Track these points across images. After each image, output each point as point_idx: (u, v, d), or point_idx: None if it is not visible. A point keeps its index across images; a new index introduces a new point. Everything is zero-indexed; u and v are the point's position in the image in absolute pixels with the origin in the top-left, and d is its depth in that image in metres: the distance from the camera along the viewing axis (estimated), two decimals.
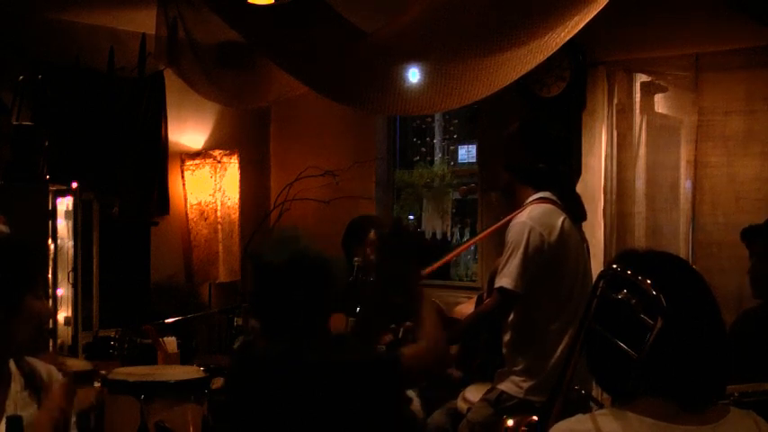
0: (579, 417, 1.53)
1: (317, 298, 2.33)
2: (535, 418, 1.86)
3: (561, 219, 3.18)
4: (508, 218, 3.24)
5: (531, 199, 3.22)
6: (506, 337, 3.25)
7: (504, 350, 3.27)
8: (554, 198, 3.22)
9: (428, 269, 3.62)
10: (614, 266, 1.58)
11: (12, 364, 2.05)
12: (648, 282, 1.50)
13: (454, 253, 4.28)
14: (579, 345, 1.61)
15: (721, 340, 1.54)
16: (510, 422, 1.97)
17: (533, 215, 3.15)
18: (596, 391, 1.80)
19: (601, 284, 1.58)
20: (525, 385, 3.14)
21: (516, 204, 3.27)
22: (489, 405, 3.24)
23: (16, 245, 2.12)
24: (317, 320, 2.36)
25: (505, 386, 3.20)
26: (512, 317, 3.22)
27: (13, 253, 2.04)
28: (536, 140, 3.27)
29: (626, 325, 1.52)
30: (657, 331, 1.47)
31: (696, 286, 1.56)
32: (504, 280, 3.10)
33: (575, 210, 3.29)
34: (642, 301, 1.50)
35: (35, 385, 2.06)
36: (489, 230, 3.64)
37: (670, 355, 1.48)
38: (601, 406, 1.66)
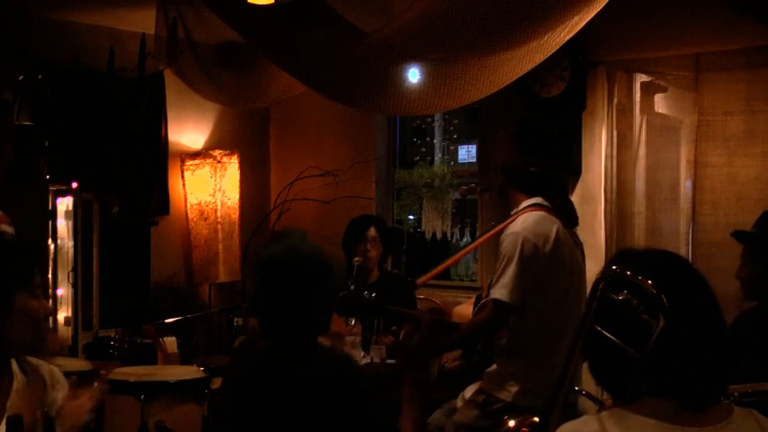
0: (585, 418, 1.53)
1: (317, 299, 2.32)
2: (536, 419, 1.85)
3: (555, 227, 3.15)
4: (505, 223, 3.22)
5: (523, 206, 3.19)
6: (500, 341, 3.23)
7: (496, 353, 3.27)
8: (546, 204, 3.20)
9: (422, 279, 3.61)
10: (614, 267, 1.57)
11: (13, 364, 2.04)
12: (649, 282, 1.50)
13: (451, 261, 4.23)
14: (580, 346, 1.60)
15: (723, 339, 1.53)
16: (511, 423, 1.96)
17: (527, 225, 3.12)
18: (594, 391, 1.79)
19: (601, 286, 1.57)
20: (513, 390, 3.13)
21: (510, 207, 3.25)
22: (476, 407, 3.23)
23: (5, 243, 2.10)
24: (316, 322, 2.36)
25: (493, 389, 3.18)
26: None
27: (1, 251, 2.03)
28: (531, 144, 3.24)
29: (627, 326, 1.51)
30: (660, 331, 1.46)
31: (696, 284, 1.55)
32: (499, 291, 3.07)
33: (566, 215, 3.26)
34: (643, 302, 1.49)
35: (37, 385, 2.06)
36: (485, 237, 3.62)
37: (672, 355, 1.47)
38: (601, 404, 1.65)
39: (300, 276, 2.30)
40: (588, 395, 1.89)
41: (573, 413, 1.80)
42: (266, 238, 2.40)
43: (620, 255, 1.64)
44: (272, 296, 2.32)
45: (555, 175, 3.27)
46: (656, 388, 1.49)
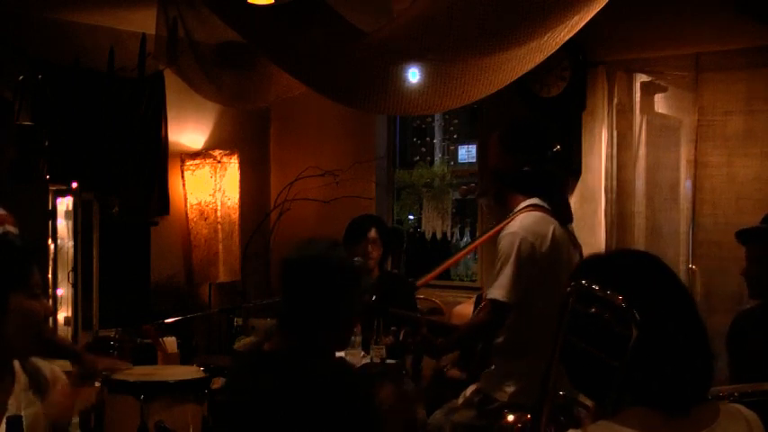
0: None
1: (339, 307, 2.34)
2: (529, 416, 1.85)
3: (552, 227, 3.15)
4: (503, 224, 3.22)
5: (521, 206, 3.19)
6: (498, 340, 3.23)
7: (493, 353, 3.26)
8: (544, 204, 3.20)
9: (423, 280, 3.61)
10: (582, 282, 1.53)
11: (16, 364, 2.05)
12: (619, 297, 1.46)
13: (450, 262, 4.23)
14: (556, 359, 1.58)
15: (699, 339, 1.50)
16: (510, 417, 1.96)
17: (524, 224, 3.11)
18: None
19: (570, 301, 1.54)
20: (509, 390, 3.13)
21: (508, 210, 3.25)
22: (473, 407, 3.23)
23: (1, 243, 2.10)
24: (332, 329, 2.36)
25: (490, 390, 3.18)
26: None
27: None
28: (519, 144, 3.22)
29: (601, 337, 1.49)
30: (633, 342, 1.43)
31: (668, 285, 1.53)
32: (497, 291, 3.07)
33: (561, 213, 3.26)
34: (614, 315, 1.47)
35: (38, 385, 2.06)
36: (484, 238, 3.61)
37: (649, 363, 1.45)
38: (587, 409, 1.63)
39: (327, 282, 2.32)
40: (577, 402, 1.88)
41: (571, 416, 1.79)
42: (298, 241, 2.44)
43: (587, 264, 1.61)
44: (295, 298, 2.34)
45: (552, 173, 3.26)
46: (639, 397, 1.47)
